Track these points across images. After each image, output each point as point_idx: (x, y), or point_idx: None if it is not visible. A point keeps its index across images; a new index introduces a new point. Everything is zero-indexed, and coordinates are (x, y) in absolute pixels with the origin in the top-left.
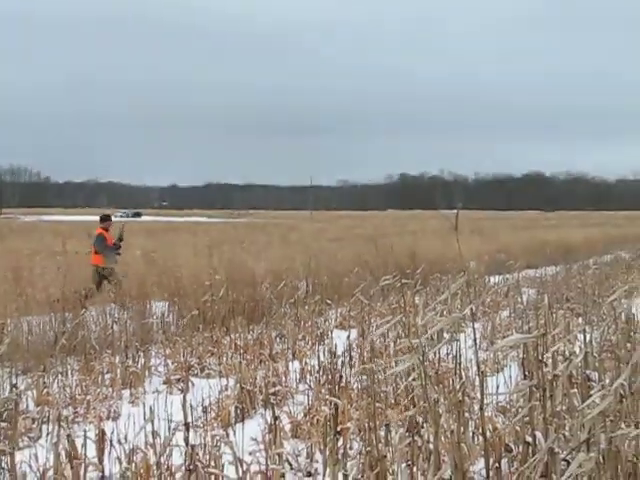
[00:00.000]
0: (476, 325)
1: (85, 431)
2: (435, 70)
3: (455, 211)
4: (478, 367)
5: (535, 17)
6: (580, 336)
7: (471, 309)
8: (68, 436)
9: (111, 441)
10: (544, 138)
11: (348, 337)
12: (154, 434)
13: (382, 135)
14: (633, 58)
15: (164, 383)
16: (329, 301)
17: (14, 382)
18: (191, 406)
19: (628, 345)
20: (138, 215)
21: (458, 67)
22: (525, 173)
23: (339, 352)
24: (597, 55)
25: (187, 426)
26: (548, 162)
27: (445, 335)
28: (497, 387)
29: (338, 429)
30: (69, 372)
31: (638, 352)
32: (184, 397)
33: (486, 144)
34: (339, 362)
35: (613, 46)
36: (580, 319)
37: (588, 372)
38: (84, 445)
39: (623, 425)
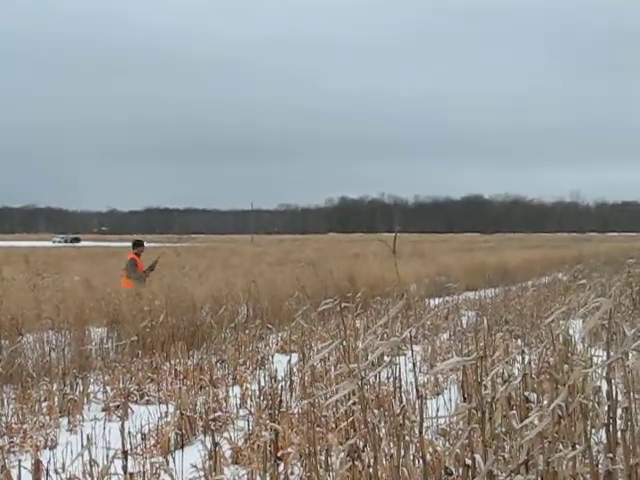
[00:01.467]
0: (416, 348)
1: (20, 461)
2: (373, 90)
3: (392, 234)
4: (417, 390)
5: (467, 34)
6: (519, 358)
7: (410, 332)
8: (3, 467)
9: (48, 470)
10: (482, 160)
11: (289, 361)
12: (92, 462)
13: (323, 158)
14: (566, 74)
15: (103, 410)
16: (270, 325)
17: None
18: (130, 433)
19: (565, 366)
20: (77, 240)
21: (397, 89)
22: (464, 196)
23: (280, 377)
24: (532, 73)
25: (125, 454)
26: (487, 185)
27: (386, 358)
28: (437, 410)
29: (279, 454)
30: (5, 401)
31: (575, 374)
32: (122, 424)
33: (426, 167)
34: (280, 387)
35: (548, 63)
36: (519, 341)
37: (527, 394)
38: (19, 475)
39: (561, 446)
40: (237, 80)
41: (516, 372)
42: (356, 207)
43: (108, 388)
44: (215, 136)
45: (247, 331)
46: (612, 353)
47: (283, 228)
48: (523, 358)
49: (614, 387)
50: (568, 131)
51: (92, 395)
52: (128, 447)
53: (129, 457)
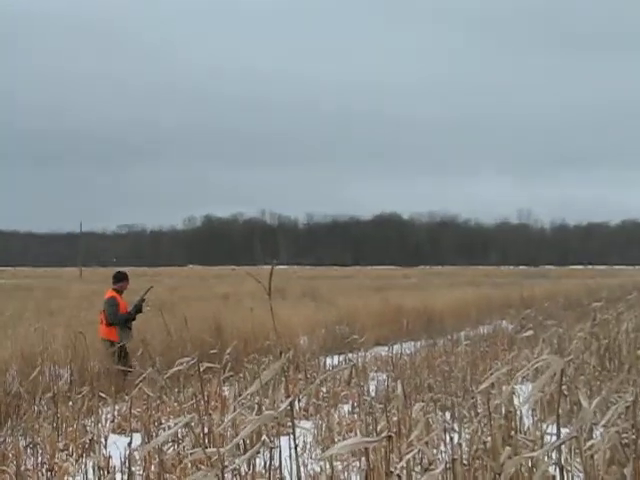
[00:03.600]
0: (306, 425)
1: None
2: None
3: (278, 266)
4: None
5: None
6: (446, 438)
7: (292, 403)
8: None
9: None
10: (401, 170)
11: (129, 444)
12: None
13: (181, 163)
14: (515, 64)
15: None
16: (103, 395)
17: None
18: None
19: (507, 449)
20: None
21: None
22: (376, 215)
23: (116, 466)
24: (471, 62)
25: None
26: (406, 201)
27: (265, 438)
28: None
29: None
30: None
31: (515, 460)
32: None
33: (323, 177)
34: None
35: (488, 54)
36: (446, 414)
37: None
38: None
39: None
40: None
41: (441, 457)
42: (226, 230)
43: None
44: (32, 138)
45: (71, 403)
46: (568, 431)
47: (124, 258)
48: (451, 438)
49: (570, 477)
50: (515, 135)
51: None
52: None
53: None
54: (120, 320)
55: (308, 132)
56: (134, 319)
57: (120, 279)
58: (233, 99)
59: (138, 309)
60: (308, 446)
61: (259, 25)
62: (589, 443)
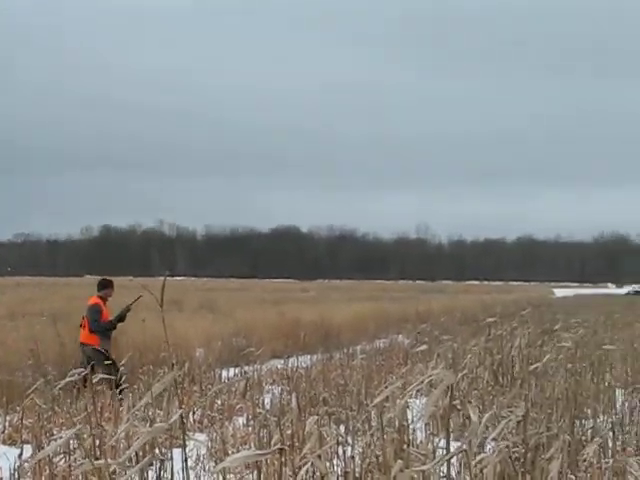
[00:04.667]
0: (201, 437)
1: None
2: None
3: (176, 277)
4: None
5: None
6: (339, 451)
7: (182, 415)
8: None
9: None
10: (301, 182)
11: (20, 456)
12: None
13: (77, 174)
14: (420, 71)
15: None
16: None
17: None
18: None
19: (399, 462)
20: None
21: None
22: (274, 227)
23: (5, 478)
24: (373, 67)
25: None
26: (306, 214)
27: (158, 452)
28: None
29: None
30: None
31: (403, 475)
32: None
33: (221, 187)
34: None
35: (393, 56)
36: (341, 428)
37: None
38: None
39: None
40: None
41: (334, 470)
42: (124, 240)
43: None
44: None
45: None
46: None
47: (21, 267)
48: (344, 451)
49: None
50: (417, 151)
51: None
52: None
53: None
54: (101, 328)
55: (207, 143)
56: (115, 328)
57: (105, 286)
58: (131, 107)
59: (121, 318)
60: (202, 459)
61: (153, 28)
62: (479, 457)
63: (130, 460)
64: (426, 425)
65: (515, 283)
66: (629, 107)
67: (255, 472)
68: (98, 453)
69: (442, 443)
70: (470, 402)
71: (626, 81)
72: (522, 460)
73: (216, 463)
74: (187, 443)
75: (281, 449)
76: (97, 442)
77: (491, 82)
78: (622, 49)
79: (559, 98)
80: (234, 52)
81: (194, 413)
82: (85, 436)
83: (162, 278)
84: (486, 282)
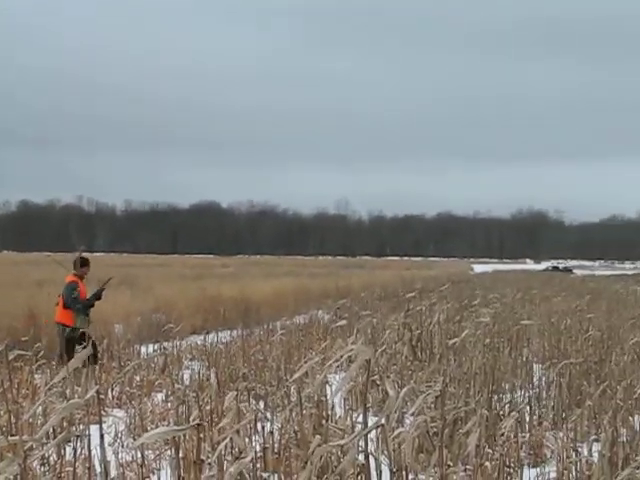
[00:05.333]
0: (120, 413)
1: None
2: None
3: (95, 253)
4: (106, 475)
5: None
6: (258, 426)
7: (98, 392)
8: None
9: None
10: (219, 157)
11: None
12: None
13: None
14: (342, 50)
15: None
16: None
17: None
18: None
19: (317, 438)
20: None
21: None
22: (194, 203)
23: None
24: (277, 47)
25: None
26: (226, 190)
27: (75, 428)
28: None
29: None
30: None
31: (321, 449)
32: None
33: (140, 163)
34: None
35: (298, 37)
36: (260, 403)
37: (265, 475)
38: None
39: None
40: None
41: (254, 445)
42: (43, 215)
43: None
44: None
45: None
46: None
47: None
48: (263, 427)
49: (378, 465)
50: (339, 127)
51: None
52: None
53: None
54: (78, 305)
55: (128, 118)
56: (92, 306)
57: (82, 265)
58: (49, 80)
59: (98, 297)
60: (120, 435)
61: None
62: (397, 432)
63: (47, 436)
64: (345, 400)
65: (435, 259)
66: (548, 84)
67: (173, 448)
68: (14, 430)
69: (361, 418)
70: (389, 377)
71: (531, 63)
72: (440, 434)
73: (134, 439)
74: (105, 419)
75: (199, 425)
76: (13, 419)
77: (412, 63)
78: (524, 32)
79: (476, 77)
80: (163, 32)
81: (112, 389)
82: (1, 412)
83: (87, 254)
84: (406, 258)
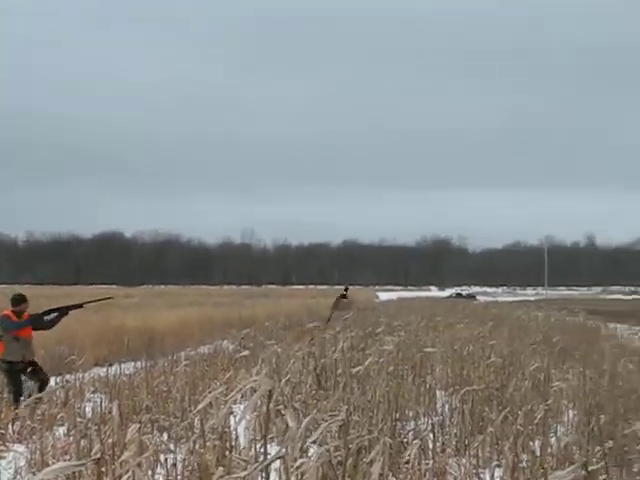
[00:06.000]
0: (20, 448)
1: None
2: None
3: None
4: None
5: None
6: (162, 458)
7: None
8: None
9: None
10: (125, 187)
11: None
12: None
13: None
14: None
15: None
16: None
17: None
18: None
19: (220, 469)
20: None
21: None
22: (97, 234)
23: None
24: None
25: None
26: (130, 219)
27: None
28: None
29: None
30: None
31: None
32: None
33: (43, 194)
34: None
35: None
36: (164, 435)
37: None
38: None
39: None
40: None
41: (157, 478)
42: None
43: None
44: None
45: None
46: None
47: None
48: (166, 459)
49: None
50: (245, 153)
51: None
52: None
53: None
54: (10, 338)
55: (28, 145)
56: (43, 329)
57: (20, 302)
58: None
59: (52, 323)
60: (20, 471)
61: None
62: (299, 462)
63: None
64: (248, 430)
65: (340, 287)
66: (451, 114)
67: None
68: None
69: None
70: (293, 407)
71: (433, 93)
72: (344, 464)
73: (34, 475)
74: (5, 455)
75: (99, 458)
76: None
77: (327, 85)
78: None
79: (381, 106)
80: (71, 50)
81: (13, 424)
82: None
83: None
84: (312, 286)
